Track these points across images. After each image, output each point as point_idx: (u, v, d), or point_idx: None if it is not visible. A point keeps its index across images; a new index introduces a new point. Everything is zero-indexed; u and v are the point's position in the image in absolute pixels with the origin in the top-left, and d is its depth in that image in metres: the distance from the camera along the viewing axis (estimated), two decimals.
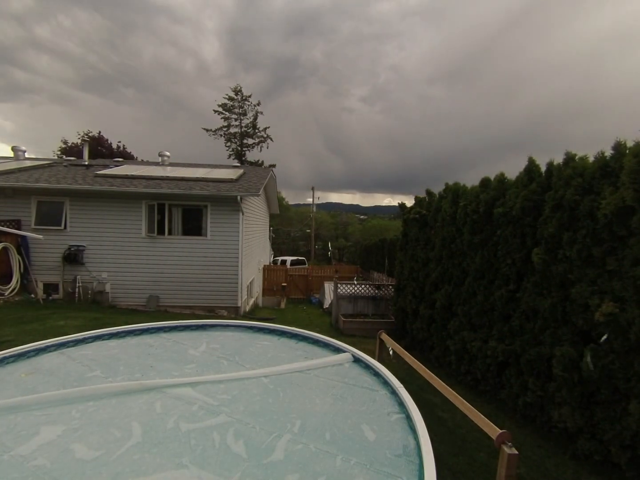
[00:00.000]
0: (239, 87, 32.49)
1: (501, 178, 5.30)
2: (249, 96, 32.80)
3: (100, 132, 28.90)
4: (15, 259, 8.92)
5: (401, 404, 2.12)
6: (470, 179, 6.46)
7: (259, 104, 32.84)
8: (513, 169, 5.22)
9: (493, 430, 2.17)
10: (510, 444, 2.04)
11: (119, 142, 29.59)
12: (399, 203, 8.85)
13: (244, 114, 33.13)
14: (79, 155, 14.37)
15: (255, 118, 33.13)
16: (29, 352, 2.65)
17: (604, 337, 3.37)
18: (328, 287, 13.36)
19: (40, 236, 9.06)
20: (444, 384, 2.95)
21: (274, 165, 31.54)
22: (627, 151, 3.53)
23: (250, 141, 33.75)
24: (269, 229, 20.72)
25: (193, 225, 10.07)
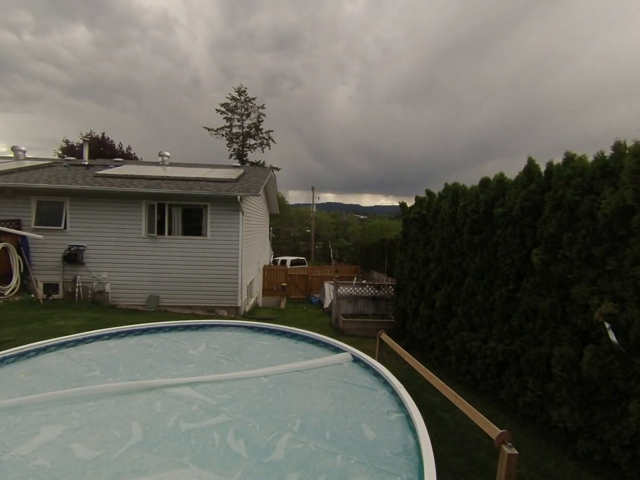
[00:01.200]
0: (243, 88, 32.40)
1: (500, 178, 5.30)
2: (254, 98, 32.79)
3: (104, 133, 28.80)
4: (15, 259, 8.92)
5: (401, 404, 2.12)
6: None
7: (263, 107, 32.87)
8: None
9: (493, 430, 2.16)
10: (510, 444, 2.04)
11: (121, 143, 29.55)
12: (399, 202, 8.84)
13: (248, 115, 33.11)
14: (81, 155, 14.37)
15: (259, 119, 33.12)
16: (28, 352, 2.65)
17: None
18: (328, 287, 13.35)
19: (40, 236, 9.05)
20: (444, 383, 2.94)
21: (277, 168, 31.47)
22: (627, 151, 3.53)
23: (252, 142, 33.76)
24: (269, 229, 20.71)
25: (193, 225, 10.07)
